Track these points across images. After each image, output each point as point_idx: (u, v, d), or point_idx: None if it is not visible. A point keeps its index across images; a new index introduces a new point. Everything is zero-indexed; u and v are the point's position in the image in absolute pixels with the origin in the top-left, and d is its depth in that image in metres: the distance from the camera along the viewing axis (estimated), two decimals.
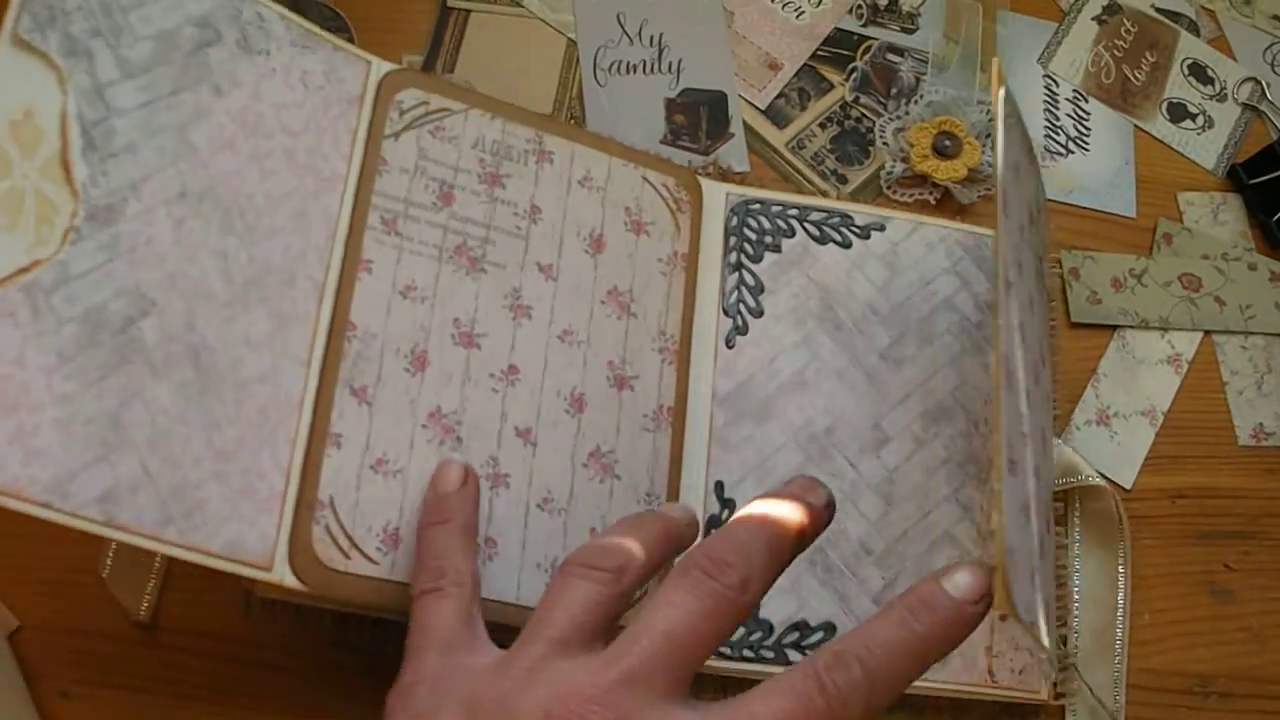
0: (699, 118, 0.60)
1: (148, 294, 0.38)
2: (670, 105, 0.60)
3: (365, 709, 0.47)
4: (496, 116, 0.49)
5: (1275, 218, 0.63)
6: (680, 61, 0.61)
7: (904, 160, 0.60)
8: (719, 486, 0.50)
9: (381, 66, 0.47)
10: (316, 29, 0.46)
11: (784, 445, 0.51)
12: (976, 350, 0.54)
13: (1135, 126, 0.65)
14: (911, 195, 0.60)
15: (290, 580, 0.40)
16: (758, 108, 0.61)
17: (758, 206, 0.55)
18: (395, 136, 0.47)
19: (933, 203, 0.60)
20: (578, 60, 0.60)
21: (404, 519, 0.43)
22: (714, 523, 0.50)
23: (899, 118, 0.61)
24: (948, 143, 0.60)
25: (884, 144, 0.61)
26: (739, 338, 0.53)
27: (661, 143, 0.59)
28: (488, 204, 0.48)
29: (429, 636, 0.38)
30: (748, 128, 0.61)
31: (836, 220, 0.56)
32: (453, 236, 0.47)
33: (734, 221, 0.55)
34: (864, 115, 0.62)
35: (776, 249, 0.55)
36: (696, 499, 0.50)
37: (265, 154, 0.43)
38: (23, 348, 0.35)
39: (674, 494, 0.49)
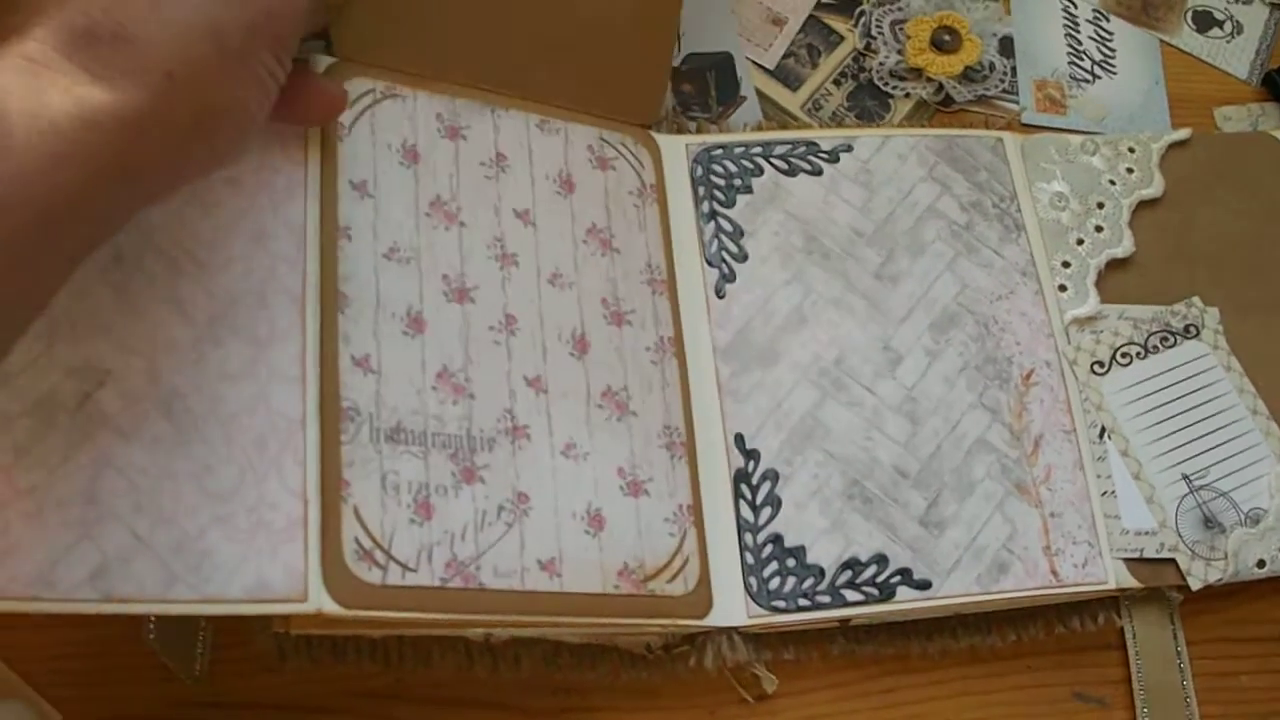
0: (707, 84, 0.58)
1: (100, 365, 0.37)
2: (675, 74, 0.57)
3: None
4: (445, 94, 0.48)
5: None
6: (680, 26, 0.58)
7: (899, 53, 0.58)
8: (739, 439, 0.48)
9: (320, 61, 0.45)
10: None
11: (796, 385, 0.49)
12: (970, 251, 0.53)
13: (1161, 41, 0.63)
14: (904, 89, 0.58)
15: (330, 606, 0.38)
16: (766, 69, 0.59)
17: (720, 151, 0.53)
18: (348, 126, 0.45)
19: (926, 98, 0.58)
20: None
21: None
22: (742, 477, 0.48)
23: (898, 10, 0.59)
24: (947, 37, 0.58)
25: (878, 33, 0.58)
26: (728, 286, 0.51)
27: (671, 116, 0.56)
28: (453, 157, 0.47)
29: None
30: (759, 94, 0.58)
31: (802, 149, 0.54)
32: (425, 192, 0.45)
33: (699, 171, 0.53)
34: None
35: (748, 190, 0.53)
36: (719, 455, 0.48)
37: (204, 190, 0.41)
38: None
39: (689, 422, 0.47)
